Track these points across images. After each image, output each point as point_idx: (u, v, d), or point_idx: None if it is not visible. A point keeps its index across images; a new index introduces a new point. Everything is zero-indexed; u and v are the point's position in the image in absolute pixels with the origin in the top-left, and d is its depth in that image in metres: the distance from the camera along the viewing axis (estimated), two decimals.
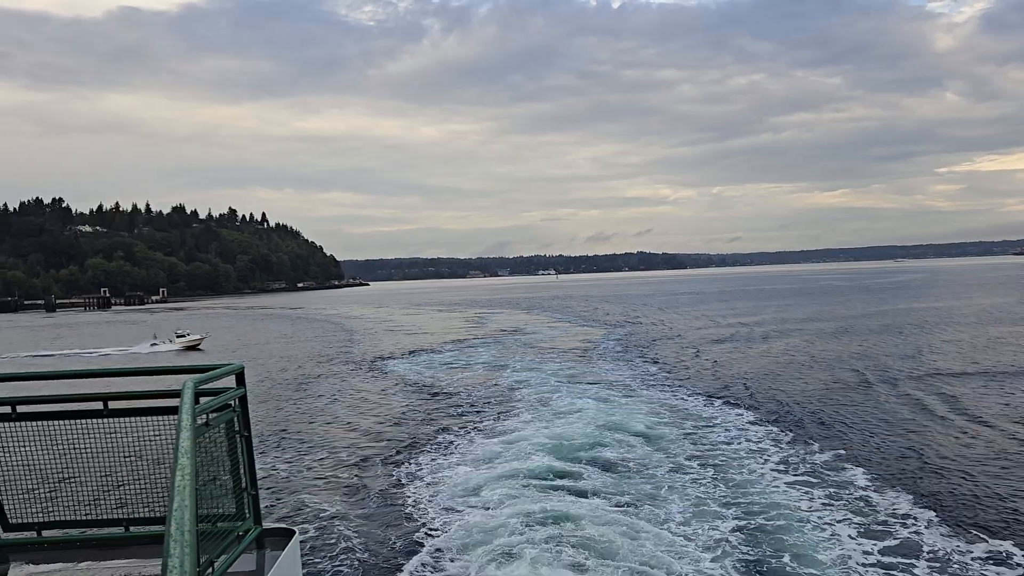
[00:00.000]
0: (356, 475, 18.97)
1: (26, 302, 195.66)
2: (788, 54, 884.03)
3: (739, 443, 20.80)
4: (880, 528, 14.20)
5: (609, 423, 23.28)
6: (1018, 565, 12.50)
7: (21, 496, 5.11)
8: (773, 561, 12.75)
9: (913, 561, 12.68)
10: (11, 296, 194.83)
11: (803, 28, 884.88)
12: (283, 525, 5.85)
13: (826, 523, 14.41)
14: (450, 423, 25.10)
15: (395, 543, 14.06)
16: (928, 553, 13.00)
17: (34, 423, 5.00)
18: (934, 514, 14.87)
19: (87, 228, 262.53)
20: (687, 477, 17.62)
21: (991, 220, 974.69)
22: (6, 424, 5.01)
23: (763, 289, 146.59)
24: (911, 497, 15.90)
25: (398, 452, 21.33)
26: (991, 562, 12.64)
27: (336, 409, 29.56)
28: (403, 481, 18.19)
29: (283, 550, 5.06)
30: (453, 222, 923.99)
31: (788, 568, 12.48)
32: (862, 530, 14.06)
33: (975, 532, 13.96)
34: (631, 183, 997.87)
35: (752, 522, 14.49)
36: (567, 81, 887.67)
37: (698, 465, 18.52)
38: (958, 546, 13.29)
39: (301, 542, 5.65)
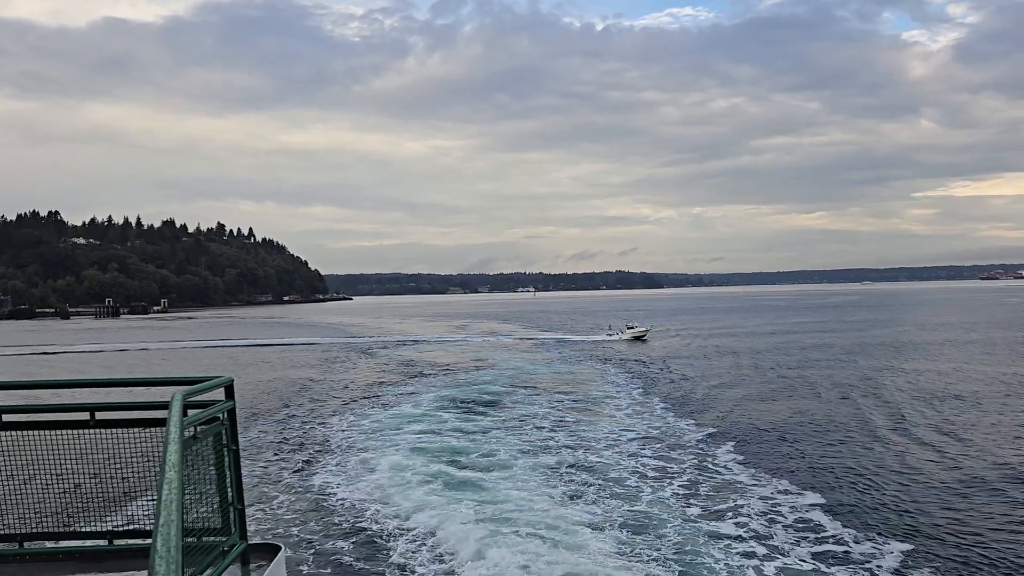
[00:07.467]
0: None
1: (36, 310, 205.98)
2: (769, 79, 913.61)
3: (611, 396, 35.81)
4: (716, 479, 18.73)
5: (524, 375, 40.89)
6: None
7: (3, 506, 5.10)
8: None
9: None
10: (23, 304, 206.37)
11: (783, 54, 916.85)
12: (269, 541, 6.00)
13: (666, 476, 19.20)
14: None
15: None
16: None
17: (19, 432, 5.00)
18: (783, 480, 18.62)
19: (82, 240, 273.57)
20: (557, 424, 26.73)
21: (964, 245, 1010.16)
22: None
23: (707, 307, 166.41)
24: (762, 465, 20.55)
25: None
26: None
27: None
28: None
29: (268, 566, 5.10)
30: (436, 238, 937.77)
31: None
32: (707, 485, 18.38)
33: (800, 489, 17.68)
34: (613, 202, 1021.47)
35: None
36: (551, 101, 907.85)
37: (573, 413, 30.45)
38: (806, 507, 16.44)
39: (287, 558, 5.67)
